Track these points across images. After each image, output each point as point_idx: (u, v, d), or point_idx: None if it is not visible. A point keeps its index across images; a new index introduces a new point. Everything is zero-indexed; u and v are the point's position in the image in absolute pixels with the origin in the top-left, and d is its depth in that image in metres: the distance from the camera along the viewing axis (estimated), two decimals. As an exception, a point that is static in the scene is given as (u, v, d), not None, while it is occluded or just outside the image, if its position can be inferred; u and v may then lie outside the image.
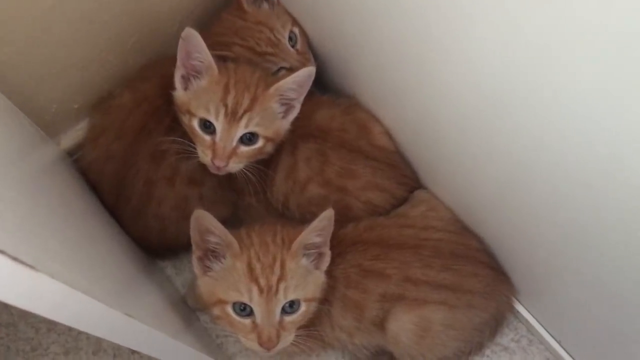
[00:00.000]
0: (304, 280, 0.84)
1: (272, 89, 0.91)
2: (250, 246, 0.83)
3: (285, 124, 0.96)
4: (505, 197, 0.86)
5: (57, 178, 0.91)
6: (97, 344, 1.10)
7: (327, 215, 0.83)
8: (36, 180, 0.76)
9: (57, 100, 1.03)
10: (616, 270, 0.75)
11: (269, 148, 0.96)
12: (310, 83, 0.94)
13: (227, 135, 0.90)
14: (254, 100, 0.90)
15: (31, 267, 0.43)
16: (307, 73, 0.92)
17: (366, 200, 1.02)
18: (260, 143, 0.93)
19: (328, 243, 0.87)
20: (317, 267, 0.87)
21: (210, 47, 0.89)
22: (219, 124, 0.89)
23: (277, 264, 0.82)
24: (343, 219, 0.95)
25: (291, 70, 1.04)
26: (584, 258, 0.80)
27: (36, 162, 0.87)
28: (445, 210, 1.02)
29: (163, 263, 1.17)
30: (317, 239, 0.85)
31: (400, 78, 0.90)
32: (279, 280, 0.81)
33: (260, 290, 0.80)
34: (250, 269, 0.81)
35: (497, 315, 1.02)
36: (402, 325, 0.91)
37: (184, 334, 0.88)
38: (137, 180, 0.97)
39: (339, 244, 0.91)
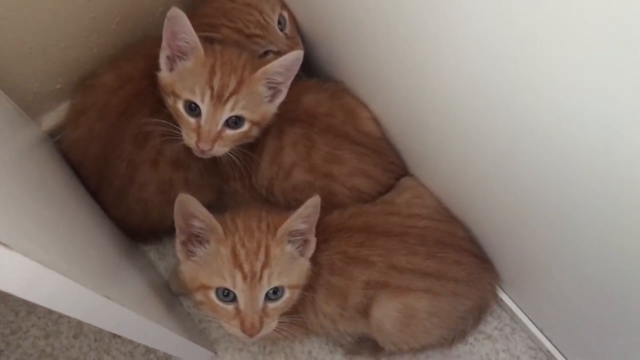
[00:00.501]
0: (288, 267, 0.83)
1: (259, 72, 0.90)
2: (234, 232, 0.82)
3: (272, 108, 0.95)
4: (491, 185, 0.86)
5: (38, 159, 0.89)
6: (78, 328, 1.09)
7: (313, 203, 0.82)
8: (15, 161, 0.74)
9: (39, 80, 1.01)
10: (597, 260, 0.76)
11: (255, 132, 0.94)
12: (298, 67, 0.92)
13: (213, 118, 0.88)
14: (240, 83, 0.89)
15: (5, 245, 0.42)
16: (295, 57, 0.90)
17: (352, 186, 1.01)
18: (246, 127, 0.92)
19: (313, 230, 0.86)
20: (302, 254, 0.86)
21: (198, 28, 0.87)
22: (204, 107, 0.88)
23: (262, 250, 0.81)
24: (328, 205, 0.95)
25: (279, 53, 1.03)
26: (567, 248, 0.80)
27: (16, 143, 0.86)
28: (431, 198, 1.02)
29: (146, 247, 1.15)
30: (303, 226, 0.84)
31: (388, 64, 0.89)
32: (263, 266, 0.80)
33: (244, 277, 0.79)
34: (235, 254, 0.80)
35: (481, 304, 1.02)
36: (386, 312, 0.91)
37: (166, 318, 0.87)
38: (120, 162, 0.96)
39: (323, 231, 0.90)
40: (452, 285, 0.93)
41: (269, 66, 0.89)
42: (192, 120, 0.89)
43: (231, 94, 0.88)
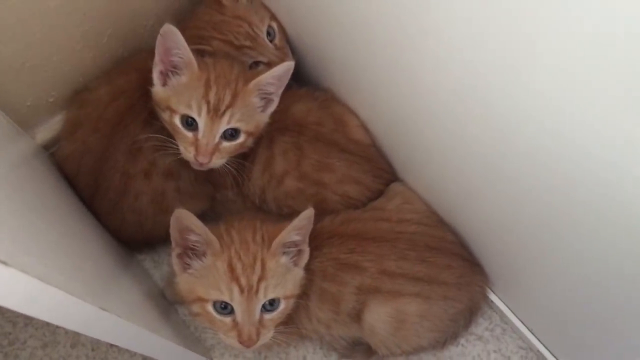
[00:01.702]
0: (283, 279, 0.85)
1: (252, 84, 0.91)
2: (230, 244, 0.83)
3: (264, 118, 0.96)
4: (478, 189, 0.87)
5: (32, 172, 0.90)
6: (75, 338, 1.10)
7: (307, 215, 0.83)
8: (10, 174, 0.76)
9: (32, 94, 1.02)
10: (585, 261, 0.77)
11: (250, 142, 0.96)
12: (288, 77, 0.94)
13: (210, 131, 0.90)
14: (235, 96, 0.90)
15: (3, 262, 0.43)
16: (286, 67, 0.92)
17: (342, 193, 1.03)
18: (242, 138, 0.93)
19: (307, 240, 0.88)
20: (296, 264, 0.88)
21: (188, 40, 0.88)
22: (201, 121, 0.89)
23: (258, 263, 0.82)
24: (320, 212, 0.96)
25: (269, 64, 1.04)
26: (554, 249, 0.81)
27: (10, 156, 0.87)
28: (421, 203, 1.04)
29: (141, 256, 1.17)
30: (297, 238, 0.85)
31: (375, 73, 0.91)
32: (260, 279, 0.82)
33: (241, 290, 0.81)
34: (231, 268, 0.81)
35: (471, 306, 1.04)
36: (378, 317, 0.92)
37: (162, 326, 0.88)
38: (113, 174, 0.97)
39: (315, 238, 0.92)
40: (442, 289, 0.95)
41: (261, 77, 0.91)
42: (189, 134, 0.91)
43: (227, 107, 0.90)
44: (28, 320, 1.10)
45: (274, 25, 1.06)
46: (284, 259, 0.86)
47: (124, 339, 0.70)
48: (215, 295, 0.82)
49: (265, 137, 1.00)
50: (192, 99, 0.89)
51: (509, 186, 0.80)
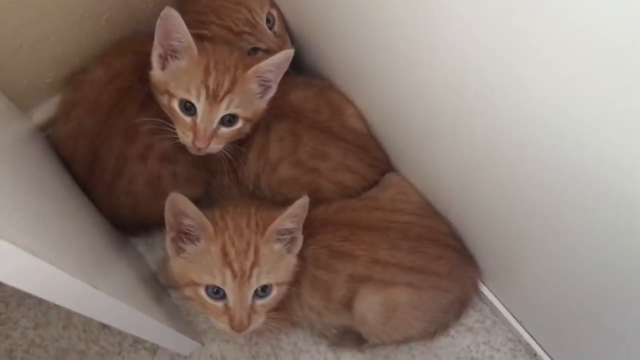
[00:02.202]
0: (276, 265, 0.85)
1: (251, 71, 0.91)
2: (224, 230, 0.84)
3: (262, 104, 0.96)
4: (470, 180, 0.88)
5: (28, 152, 0.90)
6: (68, 319, 1.10)
7: (301, 204, 0.84)
8: (5, 153, 0.76)
9: (29, 75, 1.02)
10: (575, 254, 0.78)
11: (247, 128, 0.96)
12: (287, 65, 0.94)
13: (209, 116, 0.90)
14: (234, 82, 0.90)
15: (-8, 233, 0.43)
16: (285, 55, 0.92)
17: (337, 181, 1.04)
18: (240, 124, 0.94)
19: (301, 228, 0.88)
20: (289, 251, 0.88)
21: (187, 24, 0.88)
22: (200, 106, 0.89)
23: (251, 249, 0.83)
24: (314, 199, 0.96)
25: (268, 51, 1.04)
26: (545, 242, 0.82)
27: (6, 136, 0.87)
28: (415, 194, 1.04)
29: (135, 240, 1.17)
30: (291, 225, 0.86)
31: (372, 62, 0.91)
32: (253, 265, 0.82)
33: (234, 275, 0.81)
34: (225, 253, 0.82)
35: (462, 297, 1.05)
36: (369, 305, 0.93)
37: (154, 309, 0.89)
38: (109, 157, 0.97)
39: (309, 225, 0.92)
40: (433, 279, 0.96)
41: (261, 65, 0.91)
42: (187, 119, 0.91)
43: (226, 93, 0.90)
44: (20, 300, 1.11)
45: (274, 12, 1.06)
46: (277, 246, 0.86)
47: (115, 318, 0.71)
48: (208, 280, 0.82)
49: (261, 124, 1.00)
50: (191, 84, 0.89)
51: (502, 177, 0.81)
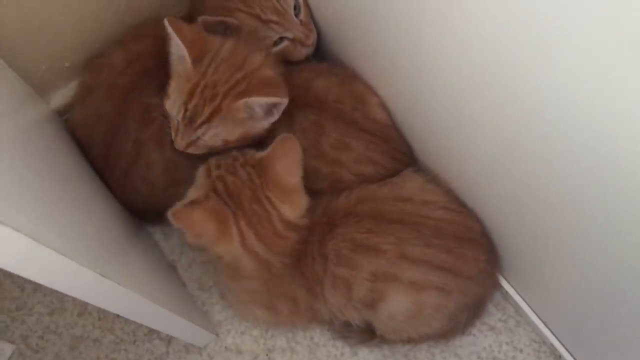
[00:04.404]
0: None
1: (240, 103, 0.87)
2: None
3: (261, 125, 0.94)
4: (497, 173, 0.84)
5: (43, 136, 0.89)
6: (83, 306, 1.10)
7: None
8: (19, 136, 0.75)
9: (48, 58, 1.01)
10: (603, 254, 0.74)
11: (237, 144, 0.94)
12: (279, 114, 0.92)
13: (185, 132, 0.90)
14: (214, 113, 0.88)
15: (-6, 219, 0.41)
16: (278, 101, 0.89)
17: (358, 173, 1.00)
18: (220, 143, 0.93)
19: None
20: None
21: (213, 11, 0.86)
22: (178, 120, 0.90)
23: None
24: (334, 191, 0.94)
25: (293, 40, 1.02)
26: (573, 240, 0.78)
27: (24, 120, 0.86)
28: (438, 191, 0.99)
29: (152, 229, 1.16)
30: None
31: (395, 49, 0.88)
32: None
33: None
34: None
35: (483, 297, 1.01)
36: (399, 308, 0.89)
37: (168, 299, 0.87)
38: (126, 141, 0.96)
39: (330, 218, 0.89)
40: (464, 284, 0.91)
41: (250, 100, 0.88)
42: (173, 120, 0.92)
43: (202, 123, 0.89)
44: (37, 286, 1.10)
45: (300, 0, 1.03)
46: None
47: (126, 308, 0.69)
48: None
49: (285, 115, 0.97)
50: (177, 96, 0.89)
51: (529, 173, 0.77)
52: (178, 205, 0.83)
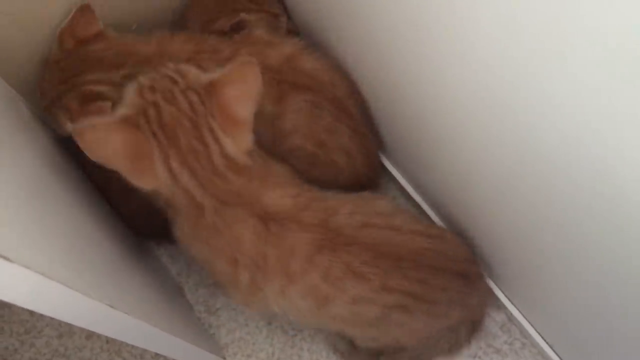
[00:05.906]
0: None
1: None
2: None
3: None
4: (498, 193, 0.85)
5: (41, 159, 0.89)
6: (91, 330, 1.10)
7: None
8: (21, 165, 0.73)
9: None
10: (610, 277, 0.74)
11: None
12: None
13: None
14: None
15: (5, 258, 0.43)
16: None
17: (333, 160, 1.03)
18: None
19: None
20: None
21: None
22: None
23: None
24: (307, 172, 0.92)
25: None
26: (578, 263, 0.79)
27: (23, 146, 0.85)
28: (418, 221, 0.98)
29: (158, 251, 1.17)
30: None
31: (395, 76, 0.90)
32: None
33: None
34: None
35: (471, 317, 1.01)
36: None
37: (174, 324, 0.88)
38: None
39: (334, 237, 0.86)
40: (426, 306, 0.90)
41: None
42: None
43: None
44: (45, 310, 1.11)
45: None
46: None
47: (133, 336, 0.70)
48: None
49: (270, 93, 0.95)
50: None
51: (530, 192, 0.77)
52: (87, 124, 0.73)
